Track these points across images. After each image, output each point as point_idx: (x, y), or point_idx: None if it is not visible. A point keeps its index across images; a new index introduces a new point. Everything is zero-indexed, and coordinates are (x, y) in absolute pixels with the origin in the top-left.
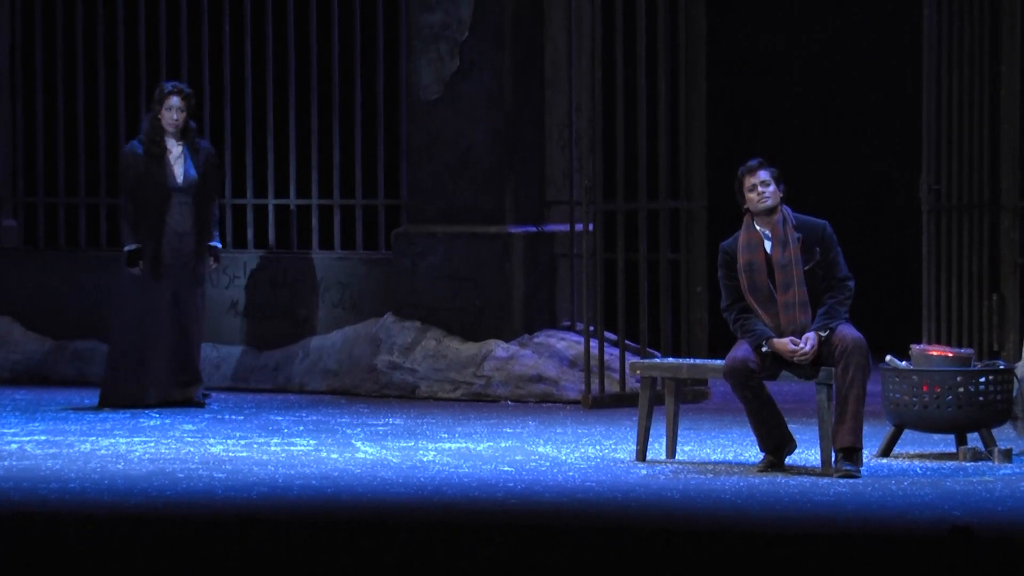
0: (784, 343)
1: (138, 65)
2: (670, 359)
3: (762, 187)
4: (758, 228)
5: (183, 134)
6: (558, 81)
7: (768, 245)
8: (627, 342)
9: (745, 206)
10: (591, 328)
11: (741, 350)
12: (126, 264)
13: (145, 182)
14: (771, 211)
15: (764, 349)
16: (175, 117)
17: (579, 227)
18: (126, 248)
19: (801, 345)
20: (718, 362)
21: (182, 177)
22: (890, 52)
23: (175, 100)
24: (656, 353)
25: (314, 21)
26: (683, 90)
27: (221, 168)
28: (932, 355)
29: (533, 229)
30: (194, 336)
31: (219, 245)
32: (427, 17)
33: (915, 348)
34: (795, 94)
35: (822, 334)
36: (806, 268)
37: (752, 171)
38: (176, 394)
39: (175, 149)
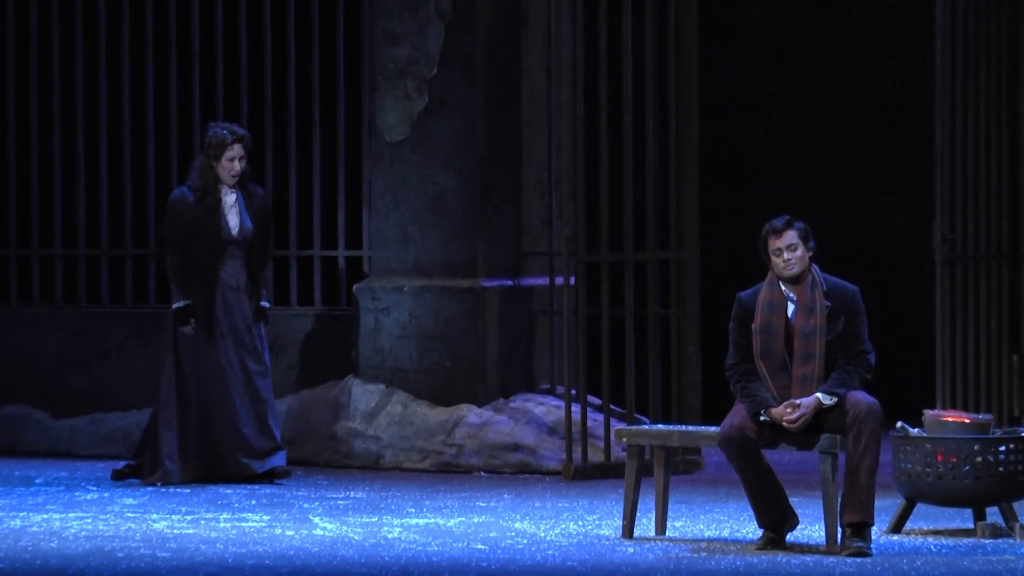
0: (780, 410)
1: (75, 109)
2: (659, 426)
3: (788, 252)
4: (783, 288)
5: (240, 182)
6: (536, 120)
7: (791, 308)
8: (612, 407)
9: (770, 265)
10: (573, 391)
11: (738, 416)
12: (176, 323)
13: (197, 234)
14: (798, 278)
15: (763, 418)
16: (238, 168)
17: (559, 280)
18: (175, 305)
19: (789, 412)
20: (712, 429)
21: (237, 228)
22: (900, 90)
23: (238, 149)
24: (644, 419)
25: (269, 55)
26: (673, 129)
27: (273, 217)
28: (947, 421)
29: (509, 283)
30: (269, 401)
31: (267, 305)
32: (392, 51)
33: (928, 414)
34: (796, 135)
35: (826, 401)
36: (828, 338)
37: (778, 233)
38: (255, 466)
39: (229, 197)
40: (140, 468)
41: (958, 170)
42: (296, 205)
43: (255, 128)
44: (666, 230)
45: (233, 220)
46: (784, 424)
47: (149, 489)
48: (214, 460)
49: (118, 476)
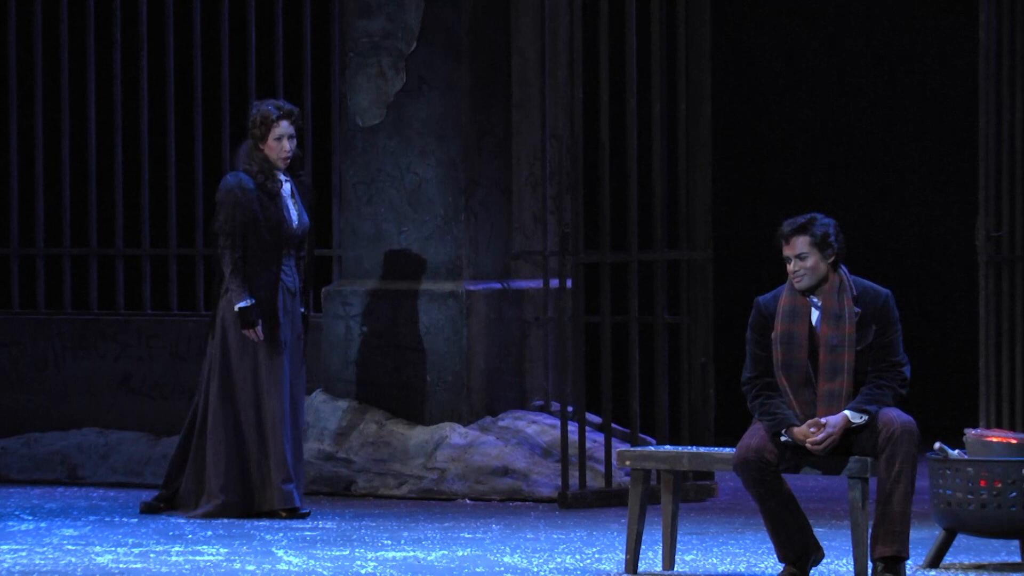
0: (803, 429)
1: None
2: (667, 447)
3: (797, 262)
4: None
5: (291, 166)
6: (528, 103)
7: (816, 316)
8: (614, 426)
9: None
10: (569, 408)
11: (756, 437)
12: (241, 324)
13: (258, 225)
14: (812, 289)
15: (784, 439)
16: (288, 148)
17: (554, 283)
18: (239, 305)
19: (814, 432)
20: (727, 451)
21: (296, 221)
22: (940, 69)
23: (286, 126)
24: (650, 440)
25: (226, 28)
26: (683, 114)
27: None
28: (992, 442)
29: (497, 286)
30: (301, 425)
31: (303, 311)
32: (365, 24)
33: (971, 433)
34: (822, 121)
35: (855, 420)
36: (858, 349)
37: (786, 239)
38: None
39: (285, 185)
40: (175, 499)
41: (1005, 159)
42: None
43: (211, 112)
44: (675, 227)
45: (292, 212)
46: (808, 446)
47: (91, 519)
48: (254, 491)
49: (147, 509)
